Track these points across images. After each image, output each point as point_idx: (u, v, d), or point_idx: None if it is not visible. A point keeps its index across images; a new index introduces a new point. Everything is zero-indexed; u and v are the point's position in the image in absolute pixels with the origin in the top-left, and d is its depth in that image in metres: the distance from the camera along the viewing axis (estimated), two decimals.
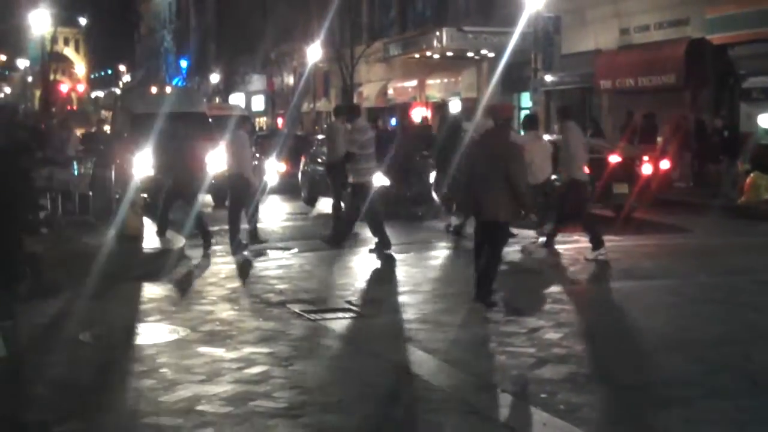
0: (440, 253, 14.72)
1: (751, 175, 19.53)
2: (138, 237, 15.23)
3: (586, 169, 14.71)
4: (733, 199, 20.30)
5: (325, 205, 21.16)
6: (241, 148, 15.46)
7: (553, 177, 15.73)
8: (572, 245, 15.39)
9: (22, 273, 10.22)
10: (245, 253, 14.57)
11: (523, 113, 35.37)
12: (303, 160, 23.83)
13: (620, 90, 28.54)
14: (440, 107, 39.67)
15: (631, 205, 18.70)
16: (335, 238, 15.29)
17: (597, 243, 13.66)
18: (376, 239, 14.27)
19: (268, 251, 15.00)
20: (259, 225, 16.62)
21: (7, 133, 12.56)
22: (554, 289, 11.42)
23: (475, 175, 10.44)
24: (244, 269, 13.31)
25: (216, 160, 22.09)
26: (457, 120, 18.27)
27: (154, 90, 25.85)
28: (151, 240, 15.38)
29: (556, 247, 14.95)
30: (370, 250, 14.18)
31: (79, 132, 25.90)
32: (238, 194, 15.38)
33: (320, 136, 29.71)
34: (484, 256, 10.41)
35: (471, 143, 11.94)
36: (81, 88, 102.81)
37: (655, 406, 6.71)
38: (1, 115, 14.14)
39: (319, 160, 22.33)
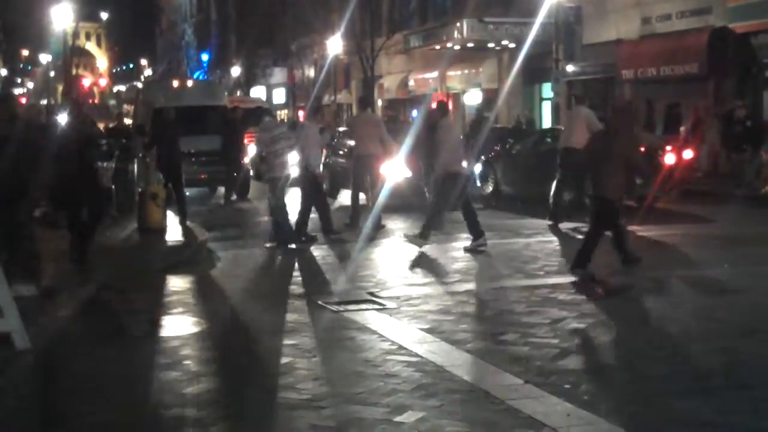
0: (462, 245, 14.68)
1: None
2: (160, 230, 15.31)
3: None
4: (756, 188, 20.16)
5: (346, 197, 21.17)
6: (313, 142, 15.36)
7: None
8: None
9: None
10: (325, 245, 14.52)
11: (545, 104, 35.38)
12: (325, 152, 23.78)
13: (642, 80, 28.40)
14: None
15: (654, 196, 18.68)
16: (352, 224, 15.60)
17: (477, 234, 14.06)
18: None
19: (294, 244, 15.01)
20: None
21: (75, 126, 12.69)
22: (574, 279, 11.36)
23: (595, 157, 11.53)
24: (265, 262, 13.33)
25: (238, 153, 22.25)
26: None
27: (175, 84, 25.81)
28: (173, 233, 15.45)
29: (574, 238, 14.91)
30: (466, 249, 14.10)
31: (101, 126, 26.00)
32: (313, 188, 15.23)
33: (341, 128, 29.79)
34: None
35: (602, 133, 12.44)
36: (103, 82, 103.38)
37: (680, 396, 6.68)
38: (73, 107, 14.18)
39: (341, 152, 22.30)
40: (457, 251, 14.09)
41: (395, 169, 17.73)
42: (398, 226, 16.54)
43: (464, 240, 14.97)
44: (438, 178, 14.33)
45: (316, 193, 15.20)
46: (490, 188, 21.44)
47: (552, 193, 16.93)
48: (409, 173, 18.27)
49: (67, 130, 12.62)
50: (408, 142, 16.89)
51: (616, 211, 11.56)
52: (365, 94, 33.80)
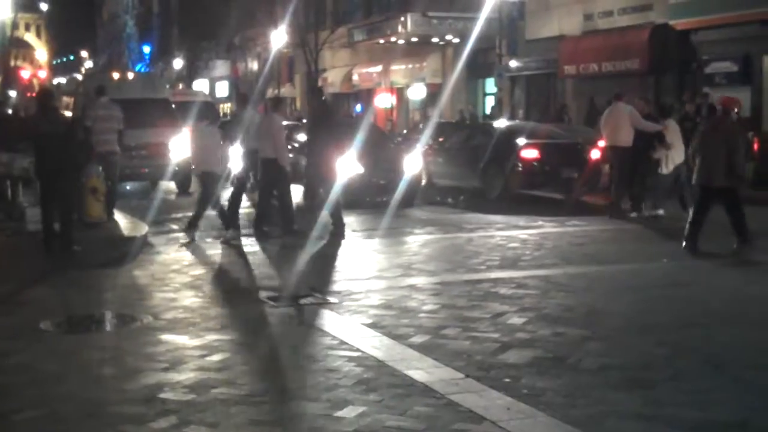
0: (405, 240, 14.71)
1: None
2: (100, 224, 15.12)
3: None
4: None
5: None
6: (278, 132, 15.13)
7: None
8: (537, 230, 15.46)
9: None
10: (269, 240, 14.46)
11: (488, 99, 35.57)
12: None
13: (584, 75, 28.68)
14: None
15: (580, 189, 19.13)
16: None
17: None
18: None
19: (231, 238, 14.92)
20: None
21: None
22: (517, 274, 11.44)
23: (708, 153, 12.76)
24: (207, 257, 13.23)
25: (179, 146, 22.04)
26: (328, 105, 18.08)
27: (116, 76, 25.47)
28: (113, 226, 15.27)
29: (516, 233, 15.05)
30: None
31: None
32: (273, 179, 15.10)
33: (285, 122, 29.46)
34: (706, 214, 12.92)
35: (704, 129, 13.29)
36: (43, 74, 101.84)
37: (619, 388, 6.73)
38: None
39: (292, 146, 22.07)
40: (399, 246, 14.10)
41: (347, 167, 17.77)
42: (356, 224, 16.48)
43: (409, 235, 15.02)
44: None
45: (285, 186, 15.10)
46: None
47: (613, 192, 17.40)
48: (361, 170, 18.23)
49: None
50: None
51: (736, 195, 12.92)
52: (277, 97, 32.56)
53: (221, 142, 15.07)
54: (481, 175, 20.30)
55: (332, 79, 46.29)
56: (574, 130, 22.70)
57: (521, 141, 19.96)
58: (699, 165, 12.94)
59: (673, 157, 16.45)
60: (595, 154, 19.57)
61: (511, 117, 32.78)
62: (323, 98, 17.26)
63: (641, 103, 18.17)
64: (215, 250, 13.76)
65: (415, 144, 22.39)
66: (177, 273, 11.83)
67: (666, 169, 16.52)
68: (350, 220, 16.57)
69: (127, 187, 23.01)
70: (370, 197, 18.73)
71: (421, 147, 21.59)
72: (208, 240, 14.61)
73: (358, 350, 7.84)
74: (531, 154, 19.68)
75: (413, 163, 19.32)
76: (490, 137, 20.83)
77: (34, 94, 44.57)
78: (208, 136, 15.01)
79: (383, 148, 20.40)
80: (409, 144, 23.02)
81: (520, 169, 19.52)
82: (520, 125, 23.38)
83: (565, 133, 21.56)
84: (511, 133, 20.71)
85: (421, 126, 27.57)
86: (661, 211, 16.73)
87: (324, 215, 14.98)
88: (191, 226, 14.67)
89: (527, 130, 21.24)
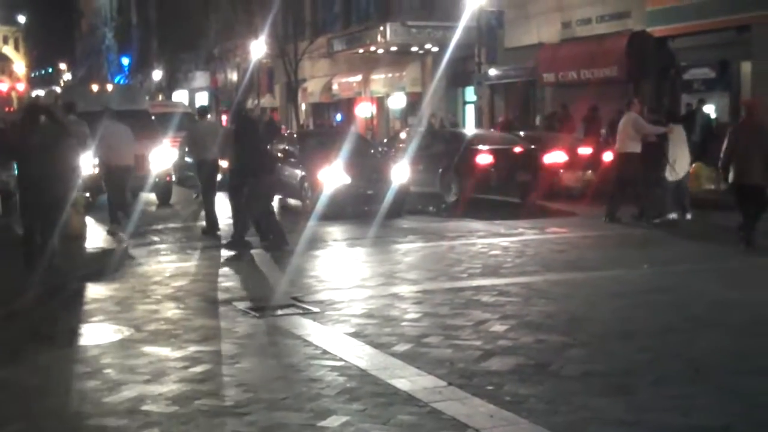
0: (386, 249, 14.71)
1: (693, 165, 19.76)
2: (80, 236, 15.06)
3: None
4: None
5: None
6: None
7: None
8: (518, 237, 15.50)
9: None
10: (251, 251, 14.36)
11: (468, 107, 35.64)
12: None
13: (563, 83, 28.78)
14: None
15: (535, 193, 20.77)
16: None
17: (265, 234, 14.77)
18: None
19: (213, 249, 14.88)
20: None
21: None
22: (499, 281, 11.46)
23: (743, 153, 13.57)
24: (189, 268, 13.20)
25: (160, 158, 22.00)
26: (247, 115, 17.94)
27: (95, 88, 25.40)
28: (94, 239, 15.22)
29: (497, 240, 15.10)
30: None
31: None
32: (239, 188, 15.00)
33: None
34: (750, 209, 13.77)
35: (735, 130, 14.06)
36: (21, 87, 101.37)
37: (601, 394, 6.76)
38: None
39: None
40: (381, 255, 14.11)
41: (334, 176, 18.16)
42: (341, 234, 16.50)
43: (391, 244, 15.03)
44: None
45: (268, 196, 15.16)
46: None
47: (611, 196, 17.60)
48: (347, 180, 18.44)
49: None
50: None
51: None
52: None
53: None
54: (439, 181, 20.95)
55: (312, 89, 46.28)
56: (531, 137, 23.49)
57: (476, 147, 20.76)
58: (735, 165, 13.65)
59: (681, 162, 16.62)
60: (548, 159, 21.16)
61: (491, 125, 32.91)
62: (244, 112, 17.20)
63: (639, 104, 18.63)
64: (196, 261, 13.73)
65: (394, 152, 22.56)
66: (158, 285, 11.79)
67: (673, 175, 16.69)
68: (333, 230, 16.61)
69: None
70: (356, 207, 18.69)
71: (407, 157, 21.71)
72: (189, 251, 14.58)
73: (340, 360, 7.83)
74: (485, 159, 20.43)
75: (400, 173, 19.31)
76: (448, 144, 21.85)
77: (12, 108, 44.27)
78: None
79: (369, 157, 20.50)
80: (389, 153, 23.15)
81: (475, 174, 20.15)
82: (476, 132, 24.51)
83: (518, 139, 22.50)
84: (466, 140, 21.69)
85: (402, 135, 27.63)
86: (673, 215, 16.93)
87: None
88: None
89: (482, 137, 22.46)
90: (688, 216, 16.95)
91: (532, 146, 21.32)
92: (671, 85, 25.86)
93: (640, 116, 17.70)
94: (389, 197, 18.37)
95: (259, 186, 14.49)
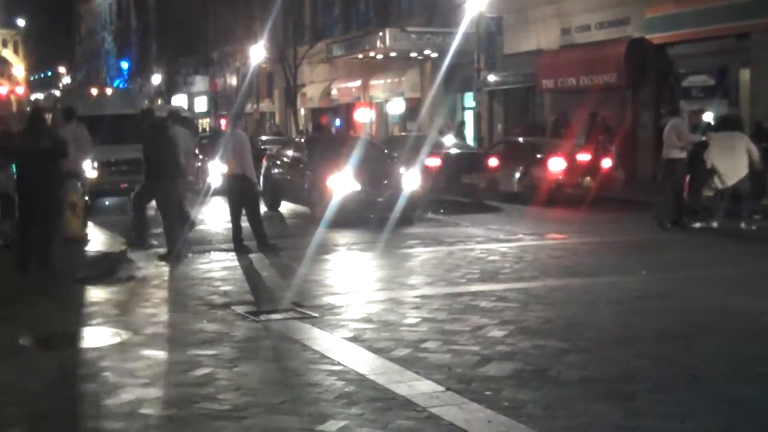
0: (385, 254, 14.73)
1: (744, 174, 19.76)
2: (80, 239, 15.07)
3: None
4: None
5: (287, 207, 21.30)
6: (241, 147, 15.11)
7: None
8: (516, 243, 15.52)
9: None
10: (249, 255, 14.46)
11: (466, 113, 35.68)
12: (264, 163, 22.91)
13: (562, 89, 28.83)
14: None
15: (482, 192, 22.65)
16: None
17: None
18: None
19: (212, 253, 14.91)
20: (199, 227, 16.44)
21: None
22: (497, 287, 11.47)
23: None
24: (187, 272, 13.20)
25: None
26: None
27: (94, 92, 25.44)
28: (92, 243, 15.22)
29: (495, 246, 15.12)
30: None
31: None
32: (242, 194, 15.06)
33: (264, 137, 29.41)
34: None
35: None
36: (20, 90, 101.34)
37: (599, 400, 6.77)
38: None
39: (279, 161, 21.89)
40: (380, 260, 14.13)
41: (343, 183, 17.96)
42: (345, 240, 16.49)
43: (390, 249, 15.04)
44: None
45: (255, 202, 15.18)
46: None
47: (660, 201, 17.77)
48: (357, 186, 18.23)
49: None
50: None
51: None
52: (237, 113, 32.53)
53: (201, 157, 15.23)
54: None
55: (311, 94, 46.34)
56: (531, 143, 24.74)
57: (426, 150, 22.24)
58: None
59: (726, 171, 16.78)
60: (492, 162, 23.34)
61: (489, 131, 32.98)
62: (153, 114, 16.96)
63: (692, 114, 18.97)
64: (195, 265, 13.73)
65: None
66: (157, 288, 11.80)
67: (720, 183, 16.93)
68: (336, 236, 16.59)
69: (106, 203, 22.94)
70: (365, 214, 18.25)
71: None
72: (189, 255, 14.59)
73: (339, 364, 7.84)
74: (433, 162, 22.22)
75: (411, 179, 18.94)
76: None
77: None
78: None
79: (380, 164, 20.08)
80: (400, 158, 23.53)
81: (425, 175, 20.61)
82: (424, 137, 25.76)
83: (465, 143, 24.68)
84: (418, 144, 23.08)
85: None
86: (714, 223, 17.01)
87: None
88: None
89: (431, 141, 24.29)
90: (714, 224, 17.02)
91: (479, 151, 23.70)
92: (670, 92, 25.89)
93: (685, 122, 17.75)
94: (400, 204, 18.06)
95: (169, 189, 14.47)
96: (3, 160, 14.48)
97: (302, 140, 23.37)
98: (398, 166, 19.91)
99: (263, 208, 20.47)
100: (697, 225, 17.07)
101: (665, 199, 17.47)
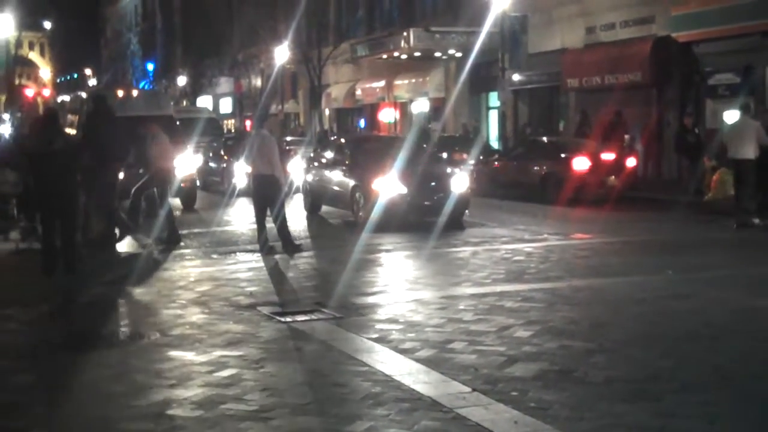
0: (409, 254, 14.73)
1: (718, 171, 19.69)
2: (107, 241, 15.14)
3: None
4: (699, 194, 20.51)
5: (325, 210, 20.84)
6: (270, 148, 15.11)
7: None
8: (542, 243, 15.48)
9: None
10: (275, 256, 14.50)
11: (491, 112, 35.63)
12: (305, 164, 22.36)
13: (587, 88, 28.73)
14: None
15: None
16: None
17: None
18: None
19: (237, 254, 14.96)
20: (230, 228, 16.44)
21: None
22: (522, 287, 11.45)
23: None
24: (213, 272, 13.25)
25: (183, 163, 22.10)
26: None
27: (120, 93, 25.55)
28: (119, 244, 15.30)
29: (520, 246, 15.09)
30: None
31: None
32: (268, 194, 15.08)
33: (288, 138, 29.39)
34: None
35: None
36: (47, 92, 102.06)
37: (625, 401, 6.75)
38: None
39: (319, 162, 21.19)
40: (405, 260, 14.14)
41: (389, 186, 17.37)
42: (391, 242, 16.22)
43: (414, 249, 15.03)
44: None
45: (279, 201, 15.21)
46: None
47: (737, 203, 17.49)
48: (404, 189, 17.52)
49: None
50: None
51: None
52: (261, 113, 32.56)
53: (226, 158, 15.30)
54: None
55: (335, 94, 46.40)
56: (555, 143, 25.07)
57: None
58: None
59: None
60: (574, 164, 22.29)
61: (514, 131, 32.91)
62: (104, 102, 16.78)
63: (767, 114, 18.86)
64: (221, 266, 13.79)
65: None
66: (183, 289, 11.85)
67: None
68: (374, 240, 16.38)
69: None
70: (412, 219, 17.56)
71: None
72: (214, 256, 14.65)
73: (365, 365, 7.86)
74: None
75: (460, 182, 18.16)
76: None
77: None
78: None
79: (427, 165, 18.99)
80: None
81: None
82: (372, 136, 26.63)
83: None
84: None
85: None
86: (757, 220, 16.94)
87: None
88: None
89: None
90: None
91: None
92: (695, 90, 25.75)
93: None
94: (448, 208, 17.32)
95: (107, 175, 14.48)
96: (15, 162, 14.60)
97: (344, 141, 22.63)
98: (446, 167, 19.21)
99: (303, 212, 20.55)
100: (757, 221, 16.92)
101: (741, 201, 17.27)
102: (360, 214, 17.95)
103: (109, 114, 15.29)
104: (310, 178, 21.10)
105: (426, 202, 17.76)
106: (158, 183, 16.12)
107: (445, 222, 17.11)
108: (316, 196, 20.81)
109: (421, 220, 17.48)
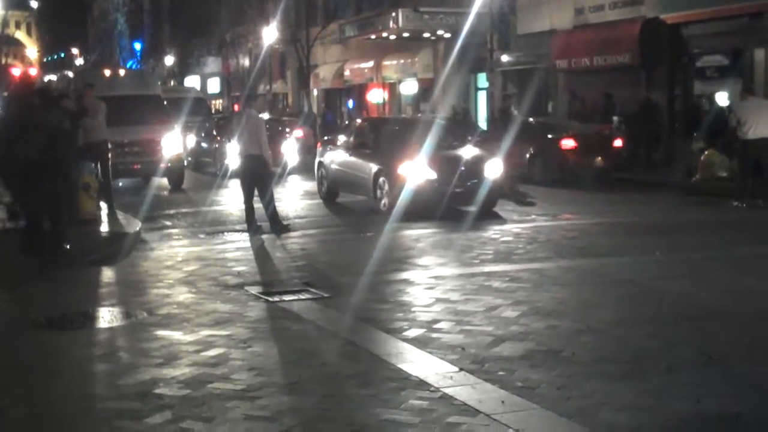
0: (398, 235, 14.71)
1: (706, 153, 19.71)
2: (93, 221, 15.11)
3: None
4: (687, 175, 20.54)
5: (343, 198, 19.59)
6: (258, 128, 14.98)
7: None
8: (530, 224, 15.48)
9: None
10: (262, 236, 14.47)
11: (480, 93, 35.58)
12: (319, 147, 21.19)
13: (576, 70, 28.69)
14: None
15: None
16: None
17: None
18: None
19: (225, 233, 14.93)
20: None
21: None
22: (510, 267, 11.46)
23: None
24: (201, 252, 13.23)
25: (172, 143, 22.06)
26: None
27: (107, 73, 25.42)
28: (106, 223, 15.26)
29: (508, 227, 15.10)
30: None
31: None
32: (256, 174, 15.00)
33: (285, 118, 29.32)
34: None
35: None
36: (33, 71, 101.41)
37: (612, 381, 6.75)
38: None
39: (339, 148, 19.58)
40: (393, 241, 14.11)
41: (416, 171, 16.34)
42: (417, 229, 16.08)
43: (403, 230, 15.02)
44: None
45: (268, 182, 15.13)
46: None
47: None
48: (433, 175, 16.50)
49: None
50: None
51: None
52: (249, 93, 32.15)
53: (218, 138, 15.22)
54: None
55: (324, 74, 46.23)
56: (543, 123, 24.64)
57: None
58: None
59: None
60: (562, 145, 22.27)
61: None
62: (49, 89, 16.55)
63: None
64: (208, 246, 13.76)
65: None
66: (171, 269, 11.83)
67: None
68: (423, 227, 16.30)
69: (120, 184, 22.97)
70: (442, 206, 16.31)
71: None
72: (202, 236, 14.61)
73: (352, 344, 7.85)
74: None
75: (494, 167, 16.99)
76: None
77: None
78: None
79: (458, 149, 17.73)
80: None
81: None
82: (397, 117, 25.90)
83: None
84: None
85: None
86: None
87: None
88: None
89: None
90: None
91: None
92: (684, 72, 25.75)
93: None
94: (481, 195, 16.39)
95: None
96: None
97: (366, 123, 21.38)
98: (478, 152, 17.83)
99: (318, 199, 19.88)
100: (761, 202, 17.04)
101: (743, 180, 17.54)
102: (383, 201, 16.98)
103: (55, 100, 15.10)
104: (327, 161, 19.60)
105: (457, 189, 16.57)
106: (96, 157, 16.13)
107: (477, 212, 16.23)
108: (332, 182, 19.40)
109: (452, 209, 16.54)
